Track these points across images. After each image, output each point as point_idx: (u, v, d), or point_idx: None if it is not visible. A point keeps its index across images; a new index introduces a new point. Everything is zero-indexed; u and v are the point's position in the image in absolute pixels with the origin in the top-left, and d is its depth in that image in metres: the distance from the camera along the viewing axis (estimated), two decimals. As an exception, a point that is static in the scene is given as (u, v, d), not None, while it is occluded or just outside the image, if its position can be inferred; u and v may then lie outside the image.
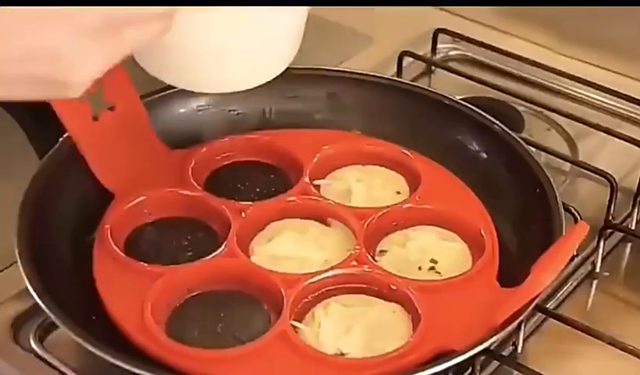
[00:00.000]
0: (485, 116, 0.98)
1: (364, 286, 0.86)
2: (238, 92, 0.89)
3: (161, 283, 0.84)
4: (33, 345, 0.86)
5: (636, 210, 0.99)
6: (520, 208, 0.93)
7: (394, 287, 0.85)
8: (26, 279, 0.80)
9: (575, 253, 0.83)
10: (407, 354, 0.79)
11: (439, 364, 0.76)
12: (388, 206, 0.92)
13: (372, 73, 1.06)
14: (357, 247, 0.88)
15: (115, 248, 0.88)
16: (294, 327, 0.81)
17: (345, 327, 0.82)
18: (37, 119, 0.87)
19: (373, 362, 0.79)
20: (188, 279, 0.85)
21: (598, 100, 1.15)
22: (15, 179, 0.91)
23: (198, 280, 0.86)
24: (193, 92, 1.00)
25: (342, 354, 0.81)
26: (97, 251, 0.88)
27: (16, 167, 0.99)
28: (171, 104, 1.00)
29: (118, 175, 0.92)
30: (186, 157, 0.96)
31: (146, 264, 0.87)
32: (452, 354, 0.77)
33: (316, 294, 0.85)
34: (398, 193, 0.96)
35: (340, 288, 0.86)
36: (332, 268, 0.86)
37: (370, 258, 0.87)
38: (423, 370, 0.76)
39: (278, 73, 0.88)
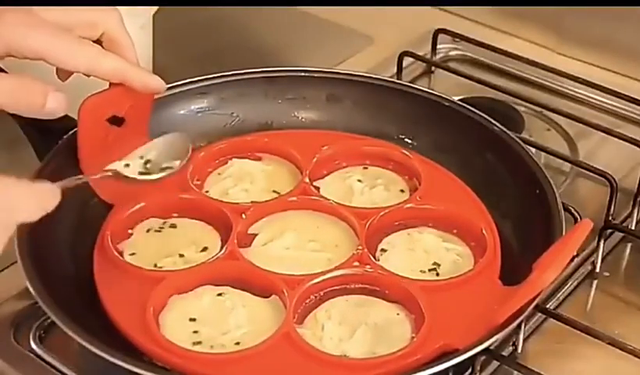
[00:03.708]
0: (484, 117, 0.98)
1: (367, 286, 0.86)
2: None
3: (162, 287, 0.84)
4: (33, 345, 0.86)
5: (636, 210, 0.99)
6: (520, 209, 0.92)
7: (397, 287, 0.85)
8: (26, 279, 0.80)
9: (575, 253, 0.83)
10: (411, 354, 0.79)
11: (439, 364, 0.76)
12: (389, 206, 0.92)
13: (372, 74, 1.06)
14: (359, 247, 0.88)
15: (116, 254, 0.88)
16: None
17: (348, 330, 0.82)
18: (39, 123, 0.87)
19: (377, 361, 0.79)
20: (189, 282, 0.85)
21: (598, 100, 1.15)
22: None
23: (199, 282, 0.86)
24: (192, 95, 1.01)
25: (346, 356, 0.81)
26: (98, 258, 0.88)
27: (17, 168, 0.99)
28: (170, 106, 1.00)
29: (116, 188, 0.92)
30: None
31: (147, 269, 0.87)
32: (454, 353, 0.77)
33: (318, 294, 0.85)
34: (401, 191, 0.96)
35: (342, 289, 0.86)
36: (334, 268, 0.86)
37: (372, 258, 0.87)
38: (423, 370, 0.76)
39: None
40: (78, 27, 0.84)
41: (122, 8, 0.98)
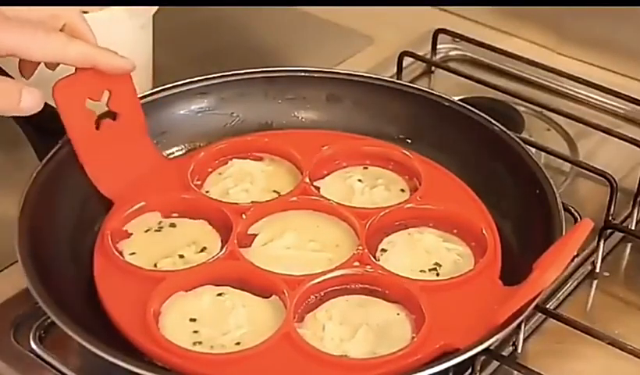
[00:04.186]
0: (484, 117, 0.98)
1: (367, 286, 0.86)
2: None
3: (162, 287, 0.84)
4: (33, 345, 0.86)
5: (636, 210, 0.99)
6: (521, 209, 0.92)
7: (397, 287, 0.85)
8: (26, 279, 0.80)
9: (575, 253, 0.83)
10: (411, 353, 0.79)
11: (439, 364, 0.76)
12: (389, 206, 0.92)
13: (372, 74, 1.06)
14: (360, 247, 0.88)
15: (116, 253, 0.88)
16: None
17: (349, 330, 0.82)
18: (39, 123, 0.87)
19: (377, 361, 0.79)
20: (189, 282, 0.85)
21: (598, 100, 1.15)
22: (15, 179, 0.91)
23: (199, 282, 0.86)
24: (192, 95, 1.01)
25: (346, 356, 0.81)
26: (98, 258, 0.88)
27: (17, 168, 0.99)
28: (171, 106, 1.00)
29: (116, 183, 0.92)
30: (184, 163, 0.96)
31: (147, 269, 0.87)
32: (454, 353, 0.77)
33: (319, 294, 0.85)
34: (402, 191, 0.96)
35: (343, 289, 0.86)
36: (334, 269, 0.86)
37: (372, 258, 0.87)
38: (423, 370, 0.76)
39: None
40: (41, 22, 0.85)
41: (122, 8, 0.98)
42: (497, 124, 0.98)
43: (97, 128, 0.91)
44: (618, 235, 0.99)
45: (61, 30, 0.87)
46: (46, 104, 0.88)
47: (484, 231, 0.90)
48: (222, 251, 0.88)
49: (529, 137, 1.07)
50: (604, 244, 0.95)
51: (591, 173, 1.01)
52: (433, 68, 1.20)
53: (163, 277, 0.85)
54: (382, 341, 0.81)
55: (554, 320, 0.88)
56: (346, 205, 0.93)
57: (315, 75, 1.04)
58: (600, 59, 1.21)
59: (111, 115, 0.92)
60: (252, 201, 0.93)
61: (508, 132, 0.97)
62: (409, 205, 0.93)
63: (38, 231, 0.86)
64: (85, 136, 0.90)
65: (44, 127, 0.90)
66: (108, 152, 0.92)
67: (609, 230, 0.97)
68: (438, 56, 1.22)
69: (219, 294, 0.85)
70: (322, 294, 0.85)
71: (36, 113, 0.85)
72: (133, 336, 0.81)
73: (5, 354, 0.86)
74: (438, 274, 0.88)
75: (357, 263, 0.87)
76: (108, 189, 0.92)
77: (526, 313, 0.79)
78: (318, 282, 0.85)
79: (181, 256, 0.89)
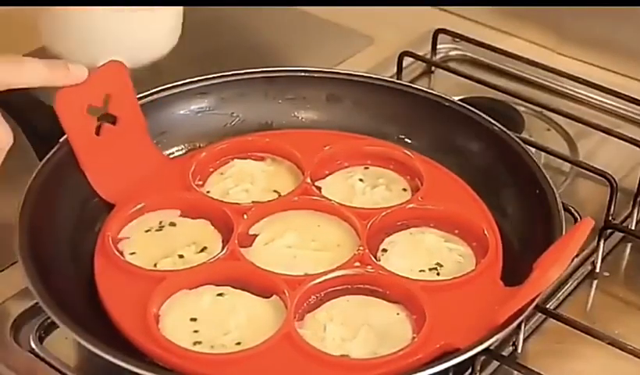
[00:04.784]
0: (484, 117, 0.98)
1: (368, 286, 0.86)
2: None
3: (163, 286, 0.84)
4: (33, 345, 0.86)
5: (636, 210, 0.99)
6: (521, 209, 0.93)
7: (398, 288, 0.85)
8: (26, 279, 0.80)
9: (576, 253, 0.83)
10: (412, 353, 0.79)
11: (439, 364, 0.76)
12: (391, 206, 0.92)
13: (372, 74, 1.06)
14: (360, 247, 0.88)
15: (117, 253, 0.88)
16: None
17: (350, 331, 0.82)
18: (39, 123, 0.87)
19: (378, 361, 0.79)
20: (190, 282, 0.85)
21: (598, 100, 1.15)
22: (15, 179, 0.91)
23: (200, 282, 0.85)
24: (192, 95, 1.01)
25: (347, 356, 0.81)
26: (98, 258, 0.88)
27: (17, 168, 0.99)
28: (171, 106, 1.00)
29: (117, 187, 0.92)
30: (185, 163, 0.96)
31: (148, 269, 0.87)
32: (454, 353, 0.77)
33: (319, 295, 0.85)
34: (404, 190, 0.96)
35: (344, 289, 0.86)
36: (335, 269, 0.86)
37: (373, 258, 0.87)
38: (423, 370, 0.76)
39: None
40: None
41: None
42: (497, 124, 0.98)
43: (98, 134, 0.91)
44: (618, 235, 0.99)
45: None
46: (46, 104, 0.88)
47: (485, 232, 0.90)
48: (223, 251, 0.88)
49: (529, 137, 1.07)
50: (604, 244, 0.96)
51: (591, 173, 1.01)
52: (433, 68, 1.20)
53: (163, 277, 0.85)
54: (383, 341, 0.81)
55: (554, 320, 0.88)
56: (348, 205, 0.93)
57: (315, 75, 1.04)
58: (600, 59, 1.21)
59: (110, 118, 0.92)
60: (253, 201, 0.93)
61: (508, 132, 0.97)
62: (410, 205, 0.93)
63: (38, 231, 0.86)
64: (87, 143, 0.90)
65: (44, 128, 0.90)
66: (109, 157, 0.92)
67: (609, 230, 0.97)
68: (438, 56, 1.22)
69: (220, 294, 0.85)
70: (323, 294, 0.85)
71: (36, 113, 0.85)
72: (134, 336, 0.81)
73: (5, 354, 0.86)
74: (438, 274, 0.88)
75: (357, 263, 0.87)
76: (110, 194, 0.92)
77: (526, 313, 0.79)
78: (319, 282, 0.85)
79: (181, 256, 0.89)
